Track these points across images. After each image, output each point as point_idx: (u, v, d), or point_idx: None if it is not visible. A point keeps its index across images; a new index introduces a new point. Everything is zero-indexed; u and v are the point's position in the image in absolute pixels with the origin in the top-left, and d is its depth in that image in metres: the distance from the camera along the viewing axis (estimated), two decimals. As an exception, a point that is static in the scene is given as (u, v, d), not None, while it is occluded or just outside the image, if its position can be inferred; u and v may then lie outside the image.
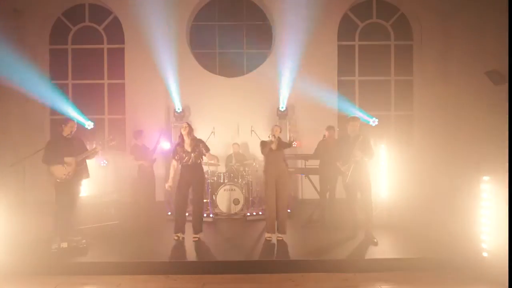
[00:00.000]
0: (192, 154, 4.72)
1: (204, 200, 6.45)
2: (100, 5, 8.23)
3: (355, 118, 4.86)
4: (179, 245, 4.62)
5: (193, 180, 4.77)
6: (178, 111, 7.68)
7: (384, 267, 3.99)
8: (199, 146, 4.79)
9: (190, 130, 4.78)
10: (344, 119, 5.91)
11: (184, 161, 4.73)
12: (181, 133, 4.80)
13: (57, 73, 8.28)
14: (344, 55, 8.30)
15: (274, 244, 4.62)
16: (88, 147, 4.84)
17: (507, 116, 6.01)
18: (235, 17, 8.43)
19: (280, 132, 4.84)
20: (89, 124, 7.34)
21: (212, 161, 4.98)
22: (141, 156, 6.00)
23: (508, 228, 3.31)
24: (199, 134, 7.78)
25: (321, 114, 7.67)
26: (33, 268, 3.95)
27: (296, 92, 8.02)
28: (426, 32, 8.10)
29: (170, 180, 4.80)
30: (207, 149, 4.85)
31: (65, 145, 4.55)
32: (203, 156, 4.85)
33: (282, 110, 7.72)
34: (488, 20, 6.62)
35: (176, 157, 4.78)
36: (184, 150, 4.74)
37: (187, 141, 4.77)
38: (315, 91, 7.95)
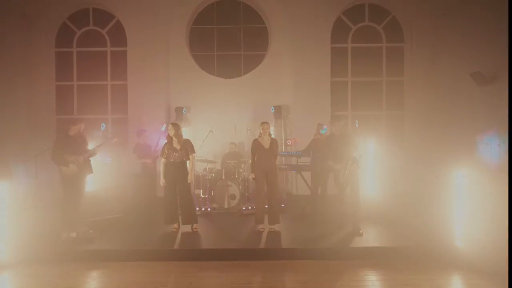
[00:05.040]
0: (182, 152, 5.03)
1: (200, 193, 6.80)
2: (103, 10, 8.53)
3: (338, 119, 5.19)
4: (178, 235, 4.98)
5: (179, 177, 5.05)
6: (185, 112, 7.98)
7: (367, 255, 4.32)
8: (187, 145, 5.12)
9: (177, 129, 5.08)
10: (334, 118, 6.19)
11: (172, 159, 5.02)
12: (168, 134, 5.08)
13: (62, 74, 8.61)
14: (338, 57, 8.59)
15: (266, 234, 4.97)
16: (90, 145, 5.18)
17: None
18: (233, 20, 8.74)
19: (269, 127, 5.10)
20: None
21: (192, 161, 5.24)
22: (144, 154, 6.36)
23: (508, 226, 3.45)
24: (198, 133, 8.20)
25: (315, 113, 7.91)
26: (46, 256, 4.31)
27: (291, 92, 8.36)
28: (417, 35, 8.38)
29: (162, 177, 5.06)
30: (193, 150, 5.19)
31: (71, 144, 4.89)
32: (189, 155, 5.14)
33: (278, 110, 8.03)
34: (475, 23, 6.86)
35: (164, 155, 5.06)
36: (173, 148, 5.03)
37: (175, 140, 5.06)
38: (309, 91, 8.29)
